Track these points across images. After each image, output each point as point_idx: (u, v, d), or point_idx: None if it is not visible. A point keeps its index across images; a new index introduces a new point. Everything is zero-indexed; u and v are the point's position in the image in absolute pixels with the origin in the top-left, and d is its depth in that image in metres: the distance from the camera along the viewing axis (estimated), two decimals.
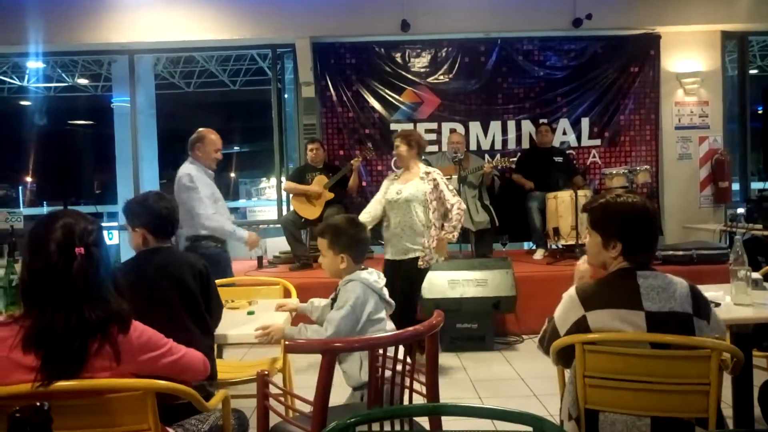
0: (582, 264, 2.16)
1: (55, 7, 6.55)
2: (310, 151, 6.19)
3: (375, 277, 2.49)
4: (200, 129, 4.18)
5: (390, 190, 4.19)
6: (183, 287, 2.25)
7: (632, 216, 1.95)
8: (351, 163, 6.21)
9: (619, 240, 1.94)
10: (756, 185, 8.11)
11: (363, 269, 2.51)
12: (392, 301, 2.53)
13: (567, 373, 2.10)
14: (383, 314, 2.50)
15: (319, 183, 6.04)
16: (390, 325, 2.53)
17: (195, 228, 3.96)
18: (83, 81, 11.39)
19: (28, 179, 6.06)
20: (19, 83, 11.04)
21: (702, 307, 1.90)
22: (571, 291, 1.99)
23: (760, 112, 6.93)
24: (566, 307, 1.98)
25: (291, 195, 6.31)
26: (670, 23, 6.78)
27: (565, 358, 2.00)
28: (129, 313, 1.70)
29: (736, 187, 7.34)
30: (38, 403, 0.97)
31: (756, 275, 2.70)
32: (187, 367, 1.85)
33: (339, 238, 2.47)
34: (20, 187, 14.59)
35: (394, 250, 4.15)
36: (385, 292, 2.51)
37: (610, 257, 1.98)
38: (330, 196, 6.01)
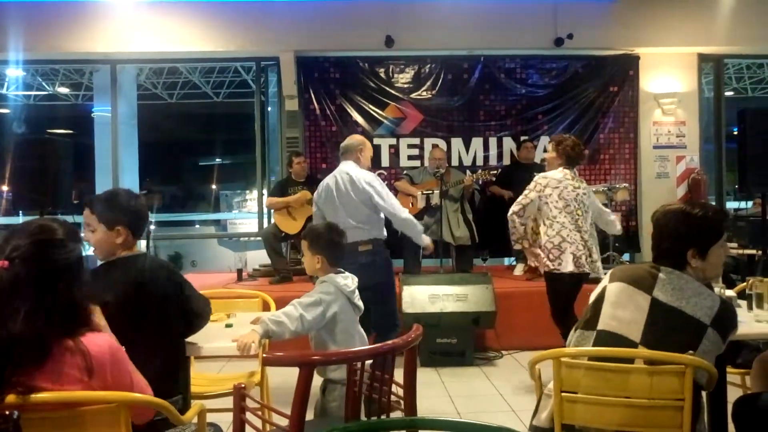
0: None
1: (36, 15, 6.50)
2: (297, 164, 6.13)
3: (348, 281, 2.65)
4: (356, 135, 4.28)
5: None
6: (152, 297, 2.14)
7: (659, 222, 2.16)
8: None
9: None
10: (731, 204, 8.27)
11: (339, 273, 2.68)
12: (361, 305, 2.70)
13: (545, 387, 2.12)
14: (351, 317, 2.65)
15: (303, 196, 6.01)
16: (360, 330, 2.68)
17: (379, 230, 3.94)
18: (64, 90, 11.27)
19: (5, 188, 5.96)
20: None
21: (725, 326, 1.96)
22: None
23: (735, 133, 7.06)
24: (602, 281, 2.15)
25: (274, 210, 6.21)
26: (649, 45, 6.93)
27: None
28: (47, 339, 1.59)
29: None
30: (7, 412, 0.95)
31: (730, 293, 2.74)
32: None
33: (317, 241, 2.71)
34: None
35: None
36: (356, 296, 2.67)
37: None
38: (312, 211, 5.95)
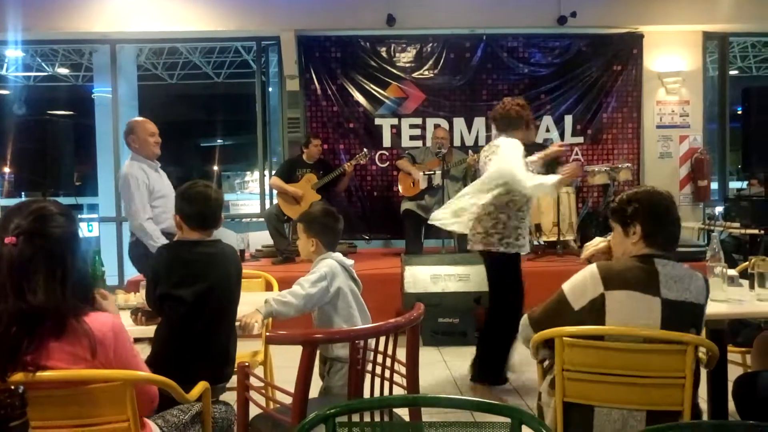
0: (601, 241, 2.25)
1: None
2: (315, 146, 6.09)
3: (345, 258, 2.70)
4: (129, 120, 4.02)
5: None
6: (227, 285, 2.32)
7: (648, 199, 2.02)
8: (344, 167, 6.01)
9: (639, 223, 1.99)
10: (734, 184, 8.24)
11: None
12: (359, 280, 2.73)
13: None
14: (353, 290, 2.67)
15: (308, 181, 5.98)
16: (361, 302, 2.70)
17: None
18: (63, 71, 11.20)
19: (6, 169, 5.96)
20: None
21: (707, 297, 2.04)
22: (593, 267, 1.99)
23: (739, 112, 7.02)
24: (584, 282, 1.98)
25: (277, 192, 6.15)
26: (653, 23, 6.85)
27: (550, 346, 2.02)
28: (65, 313, 1.61)
29: (714, 186, 7.45)
30: (13, 387, 0.97)
31: (732, 272, 2.75)
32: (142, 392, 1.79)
33: (312, 225, 2.72)
34: None
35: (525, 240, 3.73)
36: (353, 272, 2.70)
37: (630, 244, 2.02)
38: (316, 197, 5.83)
